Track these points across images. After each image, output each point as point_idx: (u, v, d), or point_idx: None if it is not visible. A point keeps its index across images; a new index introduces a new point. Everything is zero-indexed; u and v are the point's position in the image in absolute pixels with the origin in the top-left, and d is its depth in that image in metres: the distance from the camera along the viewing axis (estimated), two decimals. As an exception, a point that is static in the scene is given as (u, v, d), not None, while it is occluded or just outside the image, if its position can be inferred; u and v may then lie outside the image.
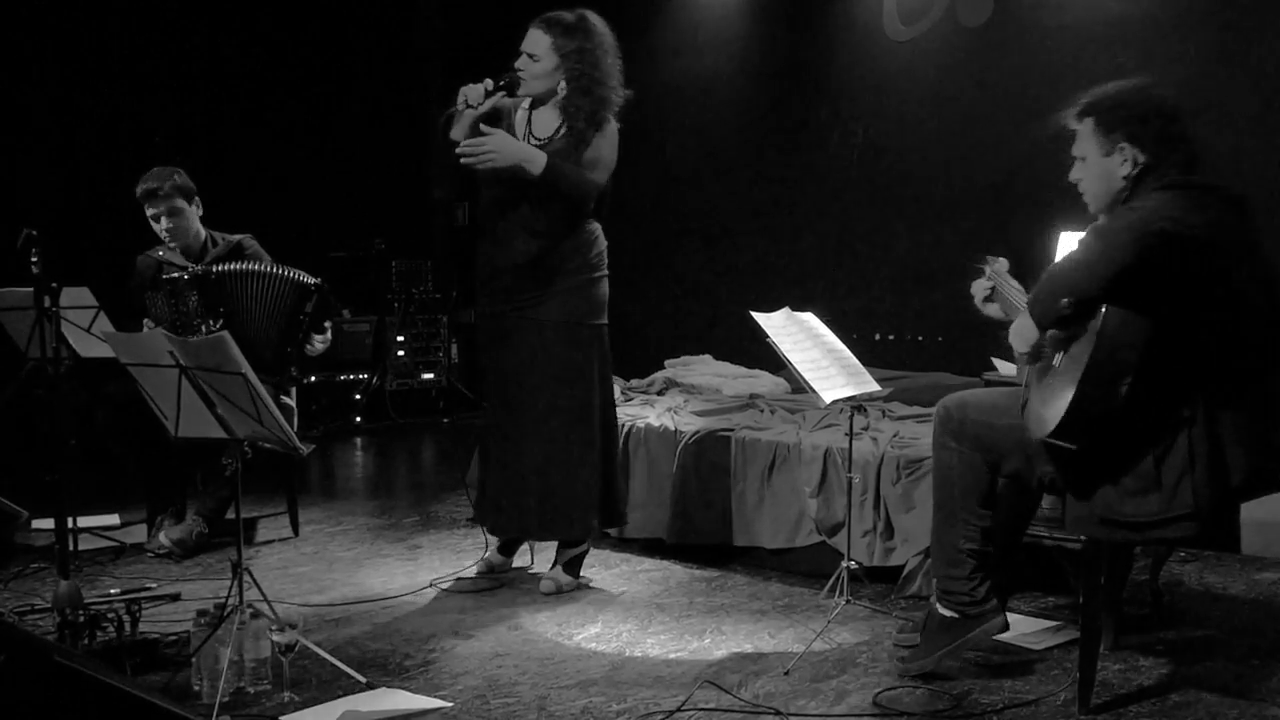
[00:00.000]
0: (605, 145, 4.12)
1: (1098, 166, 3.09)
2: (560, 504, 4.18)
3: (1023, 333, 3.09)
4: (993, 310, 3.34)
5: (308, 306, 4.71)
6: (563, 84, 4.11)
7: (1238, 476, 2.89)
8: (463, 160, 3.98)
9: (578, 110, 4.10)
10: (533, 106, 4.21)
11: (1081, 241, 2.96)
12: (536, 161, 3.99)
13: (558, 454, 4.15)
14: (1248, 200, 3.04)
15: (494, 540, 4.46)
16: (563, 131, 4.13)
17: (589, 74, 4.07)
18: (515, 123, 4.21)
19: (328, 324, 4.80)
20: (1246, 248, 2.96)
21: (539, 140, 4.15)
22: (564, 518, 4.19)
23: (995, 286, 3.32)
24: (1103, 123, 3.06)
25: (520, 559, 4.54)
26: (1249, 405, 2.91)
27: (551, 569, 4.29)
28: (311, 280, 4.73)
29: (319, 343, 4.77)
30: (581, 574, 4.32)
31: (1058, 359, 3.02)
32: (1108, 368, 2.84)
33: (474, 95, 4.02)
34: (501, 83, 4.06)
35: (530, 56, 4.08)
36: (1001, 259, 3.36)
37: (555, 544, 4.35)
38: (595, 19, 4.15)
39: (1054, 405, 2.92)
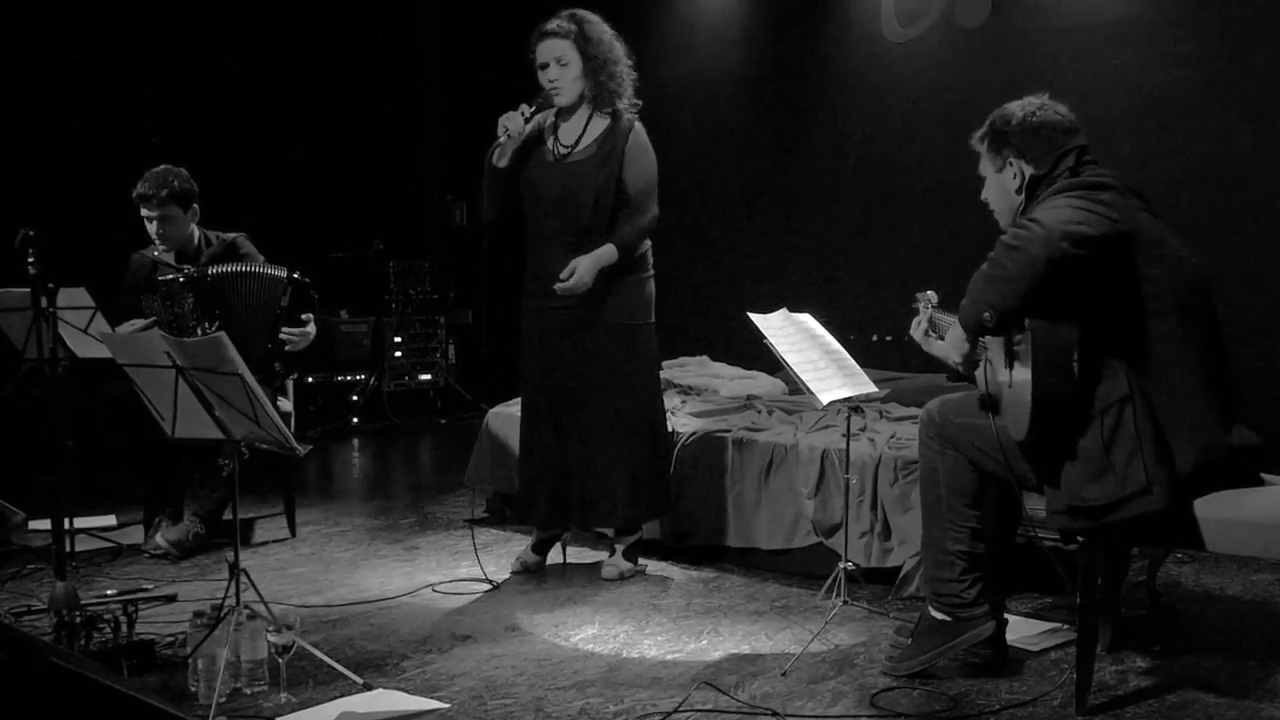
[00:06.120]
0: (642, 159, 4.28)
1: (995, 183, 3.27)
2: (602, 493, 4.29)
3: (957, 343, 3.21)
4: (938, 348, 3.38)
5: (283, 300, 4.73)
6: (587, 86, 4.23)
7: (1187, 455, 2.95)
8: (562, 293, 4.18)
9: (606, 95, 4.24)
10: (557, 118, 4.32)
11: (991, 257, 3.02)
12: (610, 255, 4.20)
13: (605, 446, 4.27)
14: (1143, 191, 3.13)
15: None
16: (591, 138, 4.24)
17: (607, 57, 4.23)
18: (545, 138, 4.33)
19: (308, 317, 4.79)
20: (1155, 231, 3.04)
21: (566, 148, 4.27)
22: (606, 506, 4.31)
23: (931, 319, 3.39)
24: (993, 143, 3.25)
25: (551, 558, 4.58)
26: (1190, 383, 2.97)
27: (612, 556, 4.41)
28: (283, 273, 4.75)
29: (298, 336, 4.77)
30: (568, 565, 4.43)
31: (1011, 367, 3.09)
32: (1051, 348, 2.93)
33: (514, 126, 4.17)
34: (536, 104, 4.23)
35: (559, 62, 4.20)
36: (930, 291, 3.45)
37: (584, 543, 4.48)
38: (586, 13, 4.28)
39: (1023, 404, 2.99)
